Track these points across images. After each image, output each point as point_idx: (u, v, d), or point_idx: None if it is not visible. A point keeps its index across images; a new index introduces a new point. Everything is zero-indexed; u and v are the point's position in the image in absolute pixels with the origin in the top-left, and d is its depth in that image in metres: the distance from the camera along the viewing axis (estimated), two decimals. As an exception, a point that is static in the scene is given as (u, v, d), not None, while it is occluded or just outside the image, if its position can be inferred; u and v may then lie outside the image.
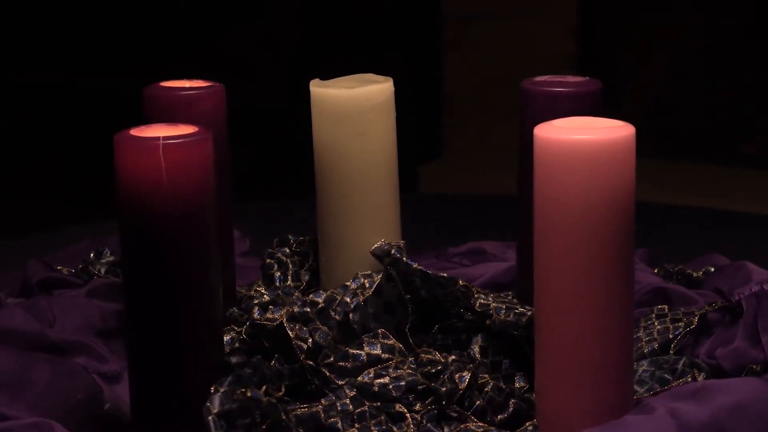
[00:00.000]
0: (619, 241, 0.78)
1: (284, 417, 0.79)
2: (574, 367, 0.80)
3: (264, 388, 0.81)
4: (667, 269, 1.11)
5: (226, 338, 0.90)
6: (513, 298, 0.98)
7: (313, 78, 0.98)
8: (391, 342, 0.89)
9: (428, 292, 0.93)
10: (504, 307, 0.91)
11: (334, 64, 2.70)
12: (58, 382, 0.86)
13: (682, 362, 0.92)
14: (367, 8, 2.90)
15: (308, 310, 0.90)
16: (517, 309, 0.91)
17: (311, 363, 0.87)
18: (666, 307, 1.01)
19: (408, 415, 0.83)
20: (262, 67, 2.89)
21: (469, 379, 0.86)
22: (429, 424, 0.83)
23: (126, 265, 0.82)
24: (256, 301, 0.94)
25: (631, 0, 2.77)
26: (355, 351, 0.88)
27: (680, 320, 0.98)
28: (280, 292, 0.97)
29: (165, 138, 0.79)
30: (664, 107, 2.72)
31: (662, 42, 2.74)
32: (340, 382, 0.86)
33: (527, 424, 0.83)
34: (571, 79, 0.98)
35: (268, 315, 0.90)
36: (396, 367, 0.87)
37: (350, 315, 0.91)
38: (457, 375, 0.86)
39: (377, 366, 0.87)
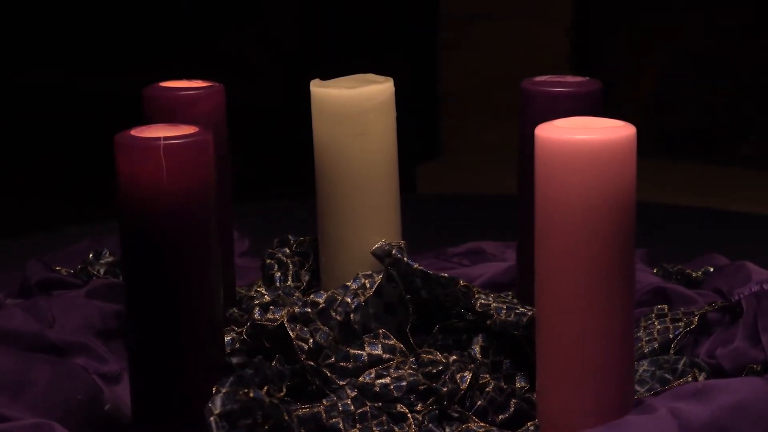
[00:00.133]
0: (620, 241, 0.78)
1: (287, 417, 0.79)
2: (575, 367, 0.80)
3: (265, 388, 0.81)
4: (666, 269, 1.11)
5: (226, 339, 0.90)
6: (513, 298, 0.98)
7: (313, 78, 0.98)
8: (392, 342, 0.89)
9: (429, 292, 0.93)
10: (505, 307, 0.91)
11: (334, 64, 2.70)
12: (58, 383, 0.86)
13: (682, 362, 0.92)
14: (365, 8, 2.90)
15: (309, 310, 0.90)
16: (518, 309, 0.91)
17: (312, 363, 0.87)
18: (666, 306, 1.01)
19: (409, 415, 0.83)
20: (262, 67, 2.89)
21: (471, 380, 0.86)
22: (430, 425, 0.83)
23: (126, 265, 0.82)
24: (256, 302, 0.94)
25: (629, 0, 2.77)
26: (356, 351, 0.88)
27: (680, 320, 0.98)
28: (280, 292, 0.97)
29: (165, 138, 0.79)
30: (662, 107, 2.72)
31: (660, 42, 2.74)
32: (341, 383, 0.86)
33: (529, 424, 0.83)
34: (570, 79, 0.98)
35: (269, 315, 0.90)
36: (397, 368, 0.87)
37: (351, 315, 0.91)
38: (459, 375, 0.86)
39: (378, 366, 0.87)
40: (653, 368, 0.92)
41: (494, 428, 0.84)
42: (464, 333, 0.92)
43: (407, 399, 0.85)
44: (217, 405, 0.77)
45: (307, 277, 1.02)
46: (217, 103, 1.00)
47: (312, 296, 0.92)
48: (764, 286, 1.00)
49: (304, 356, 0.87)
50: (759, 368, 0.91)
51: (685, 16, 2.72)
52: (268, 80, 2.86)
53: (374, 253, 0.95)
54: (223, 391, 0.78)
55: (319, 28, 2.91)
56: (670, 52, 2.74)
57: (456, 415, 0.84)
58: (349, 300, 0.91)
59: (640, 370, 0.92)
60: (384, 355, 0.88)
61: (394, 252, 0.93)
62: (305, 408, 0.83)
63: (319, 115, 0.97)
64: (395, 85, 0.98)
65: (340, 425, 0.82)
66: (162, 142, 0.79)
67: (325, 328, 0.89)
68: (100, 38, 3.01)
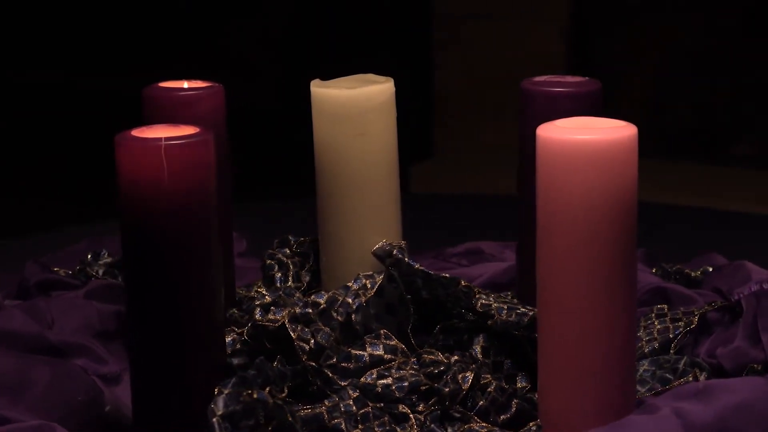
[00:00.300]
0: (621, 240, 0.78)
1: (290, 418, 0.79)
2: (576, 367, 0.80)
3: (267, 389, 0.81)
4: (665, 269, 1.11)
5: (227, 340, 0.90)
6: (513, 298, 0.98)
7: (313, 78, 0.98)
8: (393, 343, 0.89)
9: (430, 292, 0.93)
10: (506, 307, 0.91)
11: (329, 64, 2.70)
12: (58, 384, 0.86)
13: (683, 362, 0.92)
14: (359, 8, 2.90)
15: (310, 311, 0.90)
16: (519, 309, 0.91)
17: (313, 364, 0.87)
18: (665, 306, 1.01)
19: (411, 415, 0.83)
20: (262, 67, 2.89)
21: (472, 380, 0.86)
22: (432, 425, 0.83)
23: (127, 265, 0.82)
24: (257, 302, 0.94)
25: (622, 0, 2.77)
26: (357, 352, 0.88)
27: (680, 320, 0.98)
28: (281, 293, 0.97)
29: (167, 139, 0.79)
30: (658, 107, 2.72)
31: (656, 42, 2.74)
32: (342, 383, 0.86)
33: (531, 424, 0.83)
34: (570, 79, 0.98)
35: (270, 316, 0.90)
36: (399, 368, 0.87)
37: (352, 316, 0.91)
38: (460, 375, 0.86)
39: (380, 367, 0.87)
40: (654, 368, 0.92)
41: (496, 428, 0.84)
42: (465, 333, 0.92)
43: (409, 399, 0.85)
44: (219, 406, 0.77)
45: (307, 278, 1.02)
46: (217, 104, 1.00)
47: (313, 297, 0.91)
48: (764, 286, 1.00)
49: (305, 357, 0.87)
50: (760, 368, 0.91)
51: (681, 16, 2.72)
52: (268, 80, 2.86)
53: (375, 254, 0.95)
54: (226, 392, 0.78)
55: (315, 28, 2.91)
56: (666, 52, 2.74)
57: (458, 415, 0.84)
58: (350, 300, 0.91)
59: (641, 370, 0.92)
60: (385, 356, 0.88)
61: (395, 252, 0.93)
62: (307, 409, 0.83)
63: (319, 116, 0.97)
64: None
65: (342, 426, 0.82)
66: (163, 142, 0.79)
67: (327, 329, 0.89)
68: (100, 38, 3.01)
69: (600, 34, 2.78)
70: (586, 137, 0.77)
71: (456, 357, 0.89)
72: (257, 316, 0.90)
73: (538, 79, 0.99)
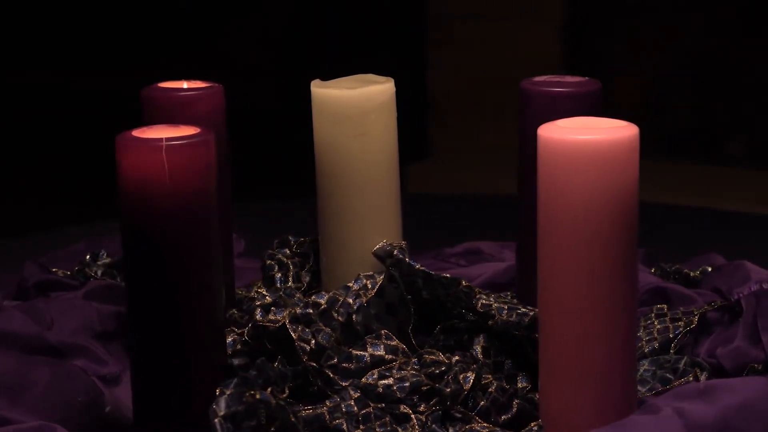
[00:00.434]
0: (622, 240, 0.78)
1: (293, 419, 0.79)
2: (577, 367, 0.80)
3: (269, 390, 0.81)
4: (664, 269, 1.11)
5: (227, 340, 0.90)
6: (513, 298, 0.98)
7: (313, 78, 0.98)
8: (394, 343, 0.89)
9: (430, 292, 0.93)
10: (506, 307, 0.91)
11: (332, 64, 2.70)
12: (58, 385, 0.86)
13: (683, 361, 0.92)
14: (355, 9, 2.90)
15: (310, 311, 0.90)
16: (520, 309, 0.91)
17: (314, 364, 0.87)
18: (665, 306, 1.01)
19: (413, 416, 0.83)
20: (262, 67, 2.89)
21: (473, 380, 0.86)
22: (434, 425, 0.83)
23: (128, 265, 0.82)
24: (257, 303, 0.94)
25: (618, 0, 2.77)
26: (358, 352, 0.88)
27: (680, 320, 0.98)
28: (281, 293, 0.96)
29: (168, 139, 0.79)
30: (654, 107, 2.72)
31: (652, 42, 2.74)
32: (343, 384, 0.86)
33: (532, 424, 0.83)
34: (570, 79, 0.98)
35: (271, 317, 0.90)
36: (400, 368, 0.86)
37: (353, 316, 0.91)
38: (462, 375, 0.86)
39: (381, 367, 0.87)
40: (654, 368, 0.92)
41: (497, 428, 0.84)
42: (465, 333, 0.92)
43: (410, 400, 0.85)
44: (221, 407, 0.77)
45: (307, 278, 1.02)
46: (216, 104, 1.00)
47: (313, 297, 0.91)
48: (764, 286, 1.00)
49: (306, 357, 0.87)
50: (760, 367, 0.91)
51: (679, 16, 2.72)
52: (268, 80, 2.86)
53: (375, 254, 0.95)
54: (227, 392, 0.78)
55: (314, 28, 2.91)
56: (664, 52, 2.74)
57: (459, 415, 0.84)
58: (350, 301, 0.91)
59: (641, 370, 0.92)
60: (386, 356, 0.88)
61: (395, 253, 0.93)
62: (308, 409, 0.83)
63: (319, 116, 0.97)
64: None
65: (344, 426, 0.82)
66: (164, 143, 0.79)
67: (327, 329, 0.89)
68: (99, 38, 3.01)
69: (596, 34, 2.78)
70: (587, 137, 0.77)
71: (457, 357, 0.89)
72: (258, 317, 0.90)
73: (537, 79, 0.99)
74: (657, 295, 1.04)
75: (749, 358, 0.93)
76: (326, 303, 0.91)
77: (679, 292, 1.04)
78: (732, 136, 2.73)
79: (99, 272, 1.10)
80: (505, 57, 2.77)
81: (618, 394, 0.80)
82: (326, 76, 0.99)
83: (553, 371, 0.81)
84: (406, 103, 0.99)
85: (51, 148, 2.86)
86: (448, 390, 0.85)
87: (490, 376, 0.88)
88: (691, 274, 1.10)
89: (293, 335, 0.88)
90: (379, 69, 1.00)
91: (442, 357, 0.88)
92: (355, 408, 0.83)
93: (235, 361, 0.88)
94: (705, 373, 0.91)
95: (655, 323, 0.98)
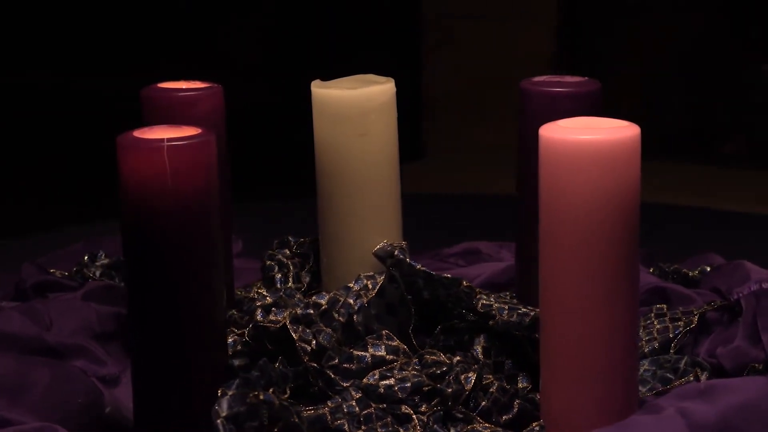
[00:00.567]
0: (624, 240, 0.78)
1: (296, 420, 0.79)
2: (579, 367, 0.80)
3: (270, 390, 0.81)
4: (662, 269, 1.11)
5: (228, 341, 0.90)
6: (512, 298, 0.98)
7: (314, 78, 0.98)
8: (395, 343, 0.89)
9: (431, 293, 0.93)
10: (507, 307, 0.91)
11: (331, 64, 2.70)
12: (57, 386, 0.86)
13: (683, 361, 0.92)
14: (351, 9, 2.89)
15: (311, 311, 0.90)
16: (520, 310, 0.91)
17: (315, 365, 0.87)
18: (665, 306, 1.01)
19: (414, 416, 0.83)
20: (262, 67, 2.89)
21: (474, 380, 0.86)
22: (435, 426, 0.83)
23: (129, 266, 0.82)
24: (258, 304, 0.94)
25: (614, 1, 2.77)
26: (359, 353, 0.88)
27: (679, 319, 0.98)
28: (282, 294, 0.96)
29: (169, 140, 0.79)
30: (650, 107, 2.72)
31: (647, 42, 2.74)
32: (345, 384, 0.86)
33: (534, 424, 0.83)
34: (570, 79, 0.98)
35: (271, 317, 0.90)
36: (401, 369, 0.86)
37: (354, 317, 0.91)
38: (463, 376, 0.86)
39: (382, 367, 0.87)
40: (654, 368, 0.92)
41: (499, 429, 0.84)
42: (466, 334, 0.92)
43: (411, 400, 0.85)
44: (223, 407, 0.77)
45: (307, 279, 1.02)
46: (216, 104, 1.00)
47: (314, 298, 0.91)
48: (763, 285, 1.00)
49: (307, 358, 0.87)
50: (761, 367, 0.91)
51: (673, 16, 2.72)
52: (268, 80, 2.86)
53: (376, 254, 0.95)
54: (230, 393, 0.78)
55: (311, 29, 2.91)
56: (658, 52, 2.74)
57: (460, 416, 0.84)
58: (351, 301, 0.91)
59: (641, 370, 0.92)
60: (387, 356, 0.88)
61: (396, 253, 0.93)
62: (310, 410, 0.83)
63: (320, 116, 0.97)
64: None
65: (346, 427, 0.82)
66: (165, 143, 0.79)
67: (328, 330, 0.89)
68: (99, 39, 3.01)
69: (592, 34, 2.78)
70: (589, 137, 0.77)
71: (458, 357, 0.89)
72: (258, 317, 0.90)
73: (537, 79, 0.99)
74: (656, 295, 1.04)
75: (749, 357, 0.93)
76: (327, 303, 0.91)
77: (678, 291, 1.04)
78: (729, 136, 2.73)
79: (97, 273, 1.10)
80: (500, 57, 2.76)
81: (619, 394, 0.81)
82: (326, 76, 0.99)
83: (554, 371, 0.81)
84: (401, 103, 0.99)
85: (51, 148, 2.86)
86: (450, 390, 0.85)
87: (491, 376, 0.88)
88: (690, 273, 1.10)
89: (294, 336, 0.88)
90: (374, 69, 1.00)
91: (443, 357, 0.88)
92: (357, 408, 0.83)
93: (236, 362, 0.88)
94: (705, 372, 0.91)
95: (655, 323, 0.98)
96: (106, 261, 1.12)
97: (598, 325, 0.79)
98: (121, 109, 1.54)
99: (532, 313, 0.90)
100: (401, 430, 0.83)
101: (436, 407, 0.84)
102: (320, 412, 0.82)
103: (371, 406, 0.83)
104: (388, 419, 0.83)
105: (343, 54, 2.84)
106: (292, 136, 1.85)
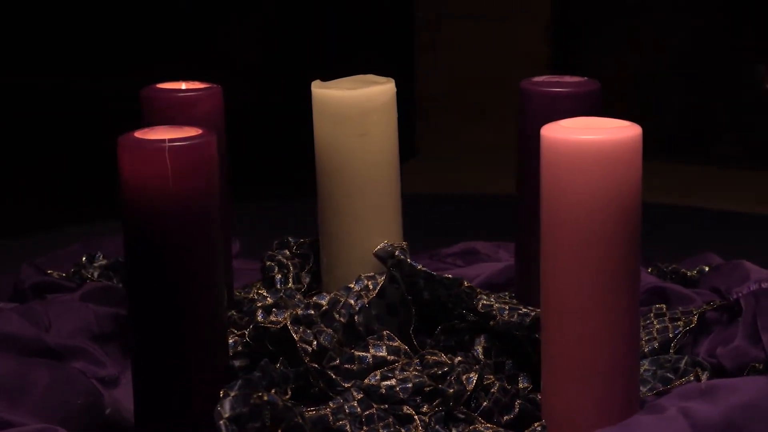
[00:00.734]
0: (625, 240, 0.78)
1: (300, 420, 0.79)
2: (580, 367, 0.80)
3: (273, 391, 0.81)
4: (660, 268, 1.11)
5: (228, 341, 0.90)
6: (512, 298, 0.98)
7: (314, 78, 0.98)
8: (396, 344, 0.89)
9: (431, 293, 0.93)
10: (507, 308, 0.91)
11: (331, 63, 2.70)
12: (57, 387, 0.86)
13: (684, 361, 0.92)
14: (345, 10, 2.89)
15: (312, 312, 0.90)
16: (521, 310, 0.91)
17: (316, 366, 0.87)
18: (664, 306, 1.01)
19: (416, 416, 0.83)
20: (262, 68, 2.89)
21: (476, 380, 0.86)
22: (437, 426, 0.83)
23: (129, 266, 0.82)
24: (259, 304, 0.94)
25: (607, 1, 2.77)
26: (360, 353, 0.88)
27: (679, 319, 0.98)
28: (282, 294, 0.96)
29: (170, 140, 0.79)
30: (645, 108, 2.72)
31: (640, 42, 2.74)
32: (346, 385, 0.86)
33: (536, 424, 0.82)
34: (569, 79, 0.98)
35: (272, 318, 0.90)
36: (402, 369, 0.86)
37: (355, 317, 0.91)
38: (464, 376, 0.86)
39: (383, 368, 0.87)
40: (654, 368, 0.92)
41: (500, 429, 0.84)
42: (466, 334, 0.92)
43: (413, 400, 0.85)
44: (226, 408, 0.77)
45: (307, 279, 1.02)
46: (215, 105, 1.00)
47: (315, 298, 0.91)
48: (763, 285, 1.00)
49: (308, 358, 0.87)
50: (761, 367, 0.91)
51: (666, 16, 2.72)
52: (268, 80, 2.86)
53: (377, 255, 0.95)
54: (232, 394, 0.78)
55: (310, 29, 2.91)
56: (651, 52, 2.74)
57: (462, 416, 0.84)
58: (352, 302, 0.91)
59: (641, 370, 0.92)
60: (389, 357, 0.88)
61: (397, 253, 0.93)
62: (311, 410, 0.83)
63: (320, 116, 0.97)
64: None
65: (347, 428, 0.82)
66: (167, 144, 0.78)
67: (329, 330, 0.89)
68: (99, 39, 3.01)
69: (584, 35, 2.78)
70: (590, 137, 0.77)
71: (459, 358, 0.89)
72: (259, 318, 0.90)
73: (537, 79, 0.99)
74: (655, 294, 1.04)
75: (749, 357, 0.93)
76: (327, 304, 0.90)
77: (677, 291, 1.04)
78: (724, 136, 2.73)
79: (95, 274, 1.10)
80: (493, 57, 2.77)
81: (621, 394, 0.81)
82: (326, 76, 0.99)
83: (555, 371, 0.81)
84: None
85: (51, 148, 2.86)
86: (451, 391, 0.85)
87: (492, 376, 0.88)
88: (689, 273, 1.10)
89: (295, 336, 0.88)
90: (367, 69, 1.00)
91: (444, 358, 0.88)
92: (359, 409, 0.83)
93: (236, 363, 0.88)
94: (706, 372, 0.91)
95: (654, 323, 0.98)
96: (104, 262, 1.11)
97: (600, 325, 0.79)
98: (120, 109, 1.55)
99: (532, 314, 0.90)
100: (403, 430, 0.83)
101: (438, 408, 0.84)
102: (322, 412, 0.82)
103: (373, 407, 0.83)
104: (390, 420, 0.83)
105: (343, 54, 2.85)
106: (292, 136, 1.85)
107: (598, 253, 0.78)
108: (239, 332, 0.91)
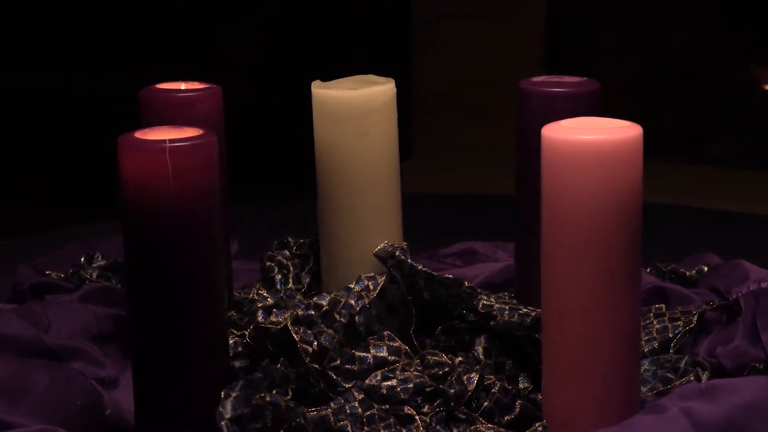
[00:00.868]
0: (626, 240, 0.78)
1: (303, 421, 0.79)
2: (581, 367, 0.80)
3: (274, 392, 0.81)
4: (659, 268, 1.11)
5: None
6: (512, 298, 0.98)
7: (314, 78, 0.98)
8: (397, 344, 0.89)
9: (431, 293, 0.93)
10: (507, 308, 0.91)
11: (331, 63, 2.70)
12: (57, 388, 0.86)
13: (684, 361, 0.92)
14: (337, 10, 2.90)
15: (312, 313, 0.90)
16: (521, 310, 0.91)
17: (317, 366, 0.87)
18: (663, 306, 1.01)
19: (417, 417, 0.83)
20: (262, 68, 2.89)
21: (477, 381, 0.86)
22: (438, 426, 0.83)
23: (130, 267, 0.81)
24: (259, 305, 0.94)
25: (603, 1, 2.77)
26: (361, 353, 0.88)
27: (678, 319, 0.98)
28: (282, 295, 0.96)
29: (171, 141, 0.79)
30: (640, 108, 2.72)
31: (635, 42, 2.74)
32: (347, 385, 0.86)
33: (537, 425, 0.82)
34: (568, 79, 0.98)
35: (272, 318, 0.90)
36: (403, 369, 0.86)
37: (355, 317, 0.91)
38: (465, 376, 0.86)
39: (384, 368, 0.87)
40: (654, 367, 0.92)
41: (502, 429, 0.84)
42: (466, 334, 0.92)
43: (414, 401, 0.85)
44: (227, 409, 0.77)
45: (307, 280, 1.02)
46: (215, 105, 1.00)
47: (315, 299, 0.91)
48: (762, 285, 1.00)
49: (308, 359, 0.87)
50: (761, 366, 0.91)
51: (666, 16, 2.72)
52: (268, 80, 2.87)
53: (377, 255, 0.95)
54: (234, 395, 0.78)
55: (310, 29, 2.91)
56: (651, 52, 2.74)
57: (463, 416, 0.84)
58: (352, 302, 0.91)
59: (641, 370, 0.92)
60: (389, 357, 0.88)
61: (397, 254, 0.94)
62: (312, 411, 0.83)
63: (320, 116, 0.97)
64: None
65: (349, 428, 0.82)
66: (168, 144, 0.78)
67: (330, 331, 0.89)
68: (99, 39, 3.01)
69: (578, 35, 2.78)
70: (591, 137, 0.77)
71: (460, 358, 0.89)
72: (259, 318, 0.90)
73: (536, 79, 0.99)
74: (655, 294, 1.04)
75: (749, 357, 0.93)
76: (328, 304, 0.90)
77: (677, 291, 1.04)
78: (724, 136, 2.74)
79: (94, 274, 1.10)
80: (488, 57, 2.77)
81: (621, 394, 0.81)
82: (326, 76, 0.99)
83: (556, 371, 0.81)
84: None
85: (51, 149, 2.86)
86: (452, 391, 0.85)
87: (492, 376, 0.88)
88: (687, 273, 1.10)
89: (295, 337, 0.88)
90: (361, 71, 1.00)
91: (445, 358, 0.88)
92: (360, 409, 0.83)
93: (237, 363, 0.88)
94: (706, 372, 0.91)
95: (654, 323, 0.98)
96: (102, 262, 1.11)
97: (600, 325, 0.79)
98: (120, 109, 1.55)
99: (533, 314, 0.90)
100: (404, 430, 0.83)
101: (439, 408, 0.84)
102: (323, 413, 0.82)
103: (374, 407, 0.83)
104: (391, 420, 0.83)
105: (342, 54, 2.85)
106: (292, 136, 1.85)
107: (599, 254, 0.78)
108: (239, 333, 0.91)
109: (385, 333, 0.90)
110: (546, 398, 0.83)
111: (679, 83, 2.73)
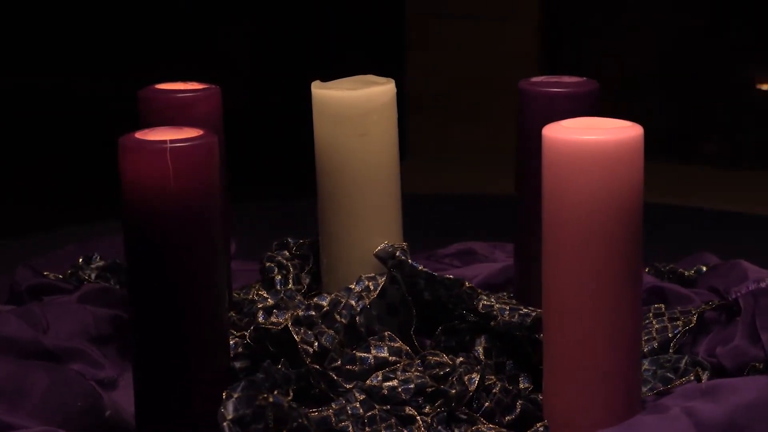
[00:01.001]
0: (627, 240, 0.78)
1: (305, 422, 0.79)
2: (582, 367, 0.80)
3: (275, 392, 0.81)
4: (658, 268, 1.11)
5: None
6: (511, 298, 0.98)
7: (314, 78, 0.98)
8: (397, 345, 0.89)
9: (432, 293, 0.93)
10: (508, 308, 0.91)
11: (331, 63, 2.70)
12: (56, 390, 0.86)
13: (684, 361, 0.92)
14: (333, 9, 2.90)
15: (313, 313, 0.90)
16: (522, 310, 0.91)
17: (317, 367, 0.87)
18: (662, 306, 1.01)
19: (418, 417, 0.83)
20: (262, 67, 2.89)
21: (478, 381, 0.86)
22: (439, 427, 0.83)
23: (131, 267, 0.81)
24: (259, 305, 0.94)
25: (602, 1, 2.77)
26: (362, 354, 0.88)
27: (678, 319, 0.98)
28: (282, 295, 0.96)
29: (172, 141, 0.79)
30: (635, 108, 2.72)
31: (631, 41, 2.74)
32: (347, 386, 0.86)
33: (538, 425, 0.82)
34: (567, 79, 0.98)
35: (273, 319, 0.90)
36: (404, 370, 0.86)
37: (356, 318, 0.91)
38: (466, 377, 0.86)
39: (385, 369, 0.87)
40: (654, 367, 0.92)
41: (503, 429, 0.84)
42: (467, 334, 0.92)
43: (415, 401, 0.85)
44: (229, 410, 0.77)
45: (307, 280, 1.02)
46: (214, 105, 1.00)
47: (315, 299, 0.91)
48: (761, 284, 1.00)
49: (309, 360, 0.87)
50: (761, 366, 0.91)
51: (666, 16, 2.72)
52: (268, 80, 2.87)
53: (377, 255, 0.95)
54: (235, 396, 0.78)
55: (310, 29, 2.91)
56: (650, 52, 2.74)
57: (464, 416, 0.84)
58: (353, 303, 0.91)
59: (641, 370, 0.92)
60: (390, 358, 0.88)
61: (397, 254, 0.93)
62: (314, 412, 0.83)
63: (320, 116, 0.97)
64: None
65: (350, 429, 0.82)
66: (168, 144, 0.78)
67: (330, 331, 0.89)
68: (98, 40, 3.01)
69: (572, 34, 2.78)
70: (592, 137, 0.77)
71: (461, 358, 0.89)
72: (260, 319, 0.90)
73: (536, 79, 0.99)
74: (654, 294, 1.04)
75: (749, 356, 0.93)
76: (328, 305, 0.90)
77: (676, 291, 1.04)
78: (723, 136, 2.74)
79: (93, 275, 1.10)
80: (483, 57, 2.77)
81: (622, 394, 0.81)
82: (326, 76, 0.99)
83: (557, 371, 0.81)
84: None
85: (51, 149, 2.86)
86: (453, 391, 0.85)
87: (493, 377, 0.88)
88: (686, 273, 1.10)
89: (296, 338, 0.87)
90: (356, 70, 1.00)
91: (446, 358, 0.88)
92: (361, 410, 0.83)
93: (237, 364, 0.88)
94: (706, 372, 0.91)
95: (654, 323, 0.98)
96: (101, 263, 1.11)
97: (601, 326, 0.79)
98: (120, 109, 1.55)
99: (533, 314, 0.90)
100: (405, 431, 0.83)
101: (440, 408, 0.84)
102: (324, 414, 0.82)
103: (375, 408, 0.83)
104: (392, 421, 0.83)
105: (341, 54, 2.85)
106: (292, 136, 1.85)
107: (600, 254, 0.78)
108: (239, 333, 0.91)
109: (386, 333, 0.90)
110: (547, 398, 0.83)
111: (680, 83, 2.73)
